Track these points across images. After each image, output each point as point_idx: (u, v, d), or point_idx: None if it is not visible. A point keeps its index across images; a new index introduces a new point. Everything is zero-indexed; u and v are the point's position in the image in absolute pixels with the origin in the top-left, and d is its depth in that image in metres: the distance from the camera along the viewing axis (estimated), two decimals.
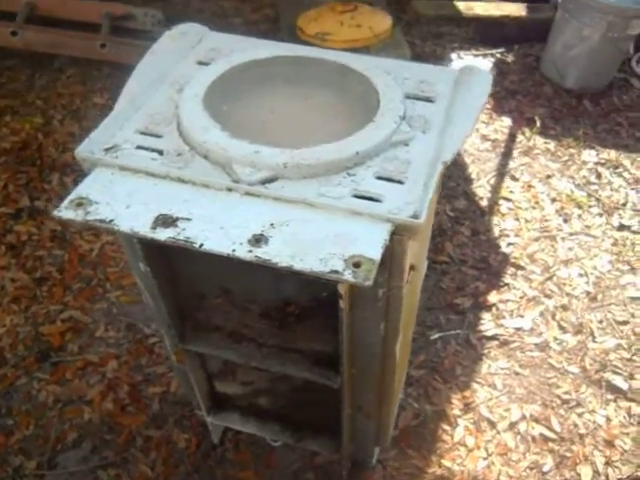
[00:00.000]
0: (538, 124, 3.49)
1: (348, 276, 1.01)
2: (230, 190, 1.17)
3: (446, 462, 2.01)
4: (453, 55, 4.09)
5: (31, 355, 2.34)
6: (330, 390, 1.48)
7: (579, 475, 1.99)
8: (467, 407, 2.19)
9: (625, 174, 3.21)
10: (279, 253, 1.04)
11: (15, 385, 2.25)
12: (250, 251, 1.05)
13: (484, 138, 3.43)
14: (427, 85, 1.43)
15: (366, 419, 1.72)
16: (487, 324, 2.46)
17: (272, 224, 1.10)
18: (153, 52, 1.50)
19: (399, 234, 1.12)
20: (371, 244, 1.07)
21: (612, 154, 3.32)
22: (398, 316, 1.35)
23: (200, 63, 1.50)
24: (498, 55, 4.11)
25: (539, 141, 3.40)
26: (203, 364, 1.78)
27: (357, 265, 1.03)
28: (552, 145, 3.38)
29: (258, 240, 1.06)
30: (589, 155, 3.32)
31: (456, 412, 2.17)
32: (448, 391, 2.24)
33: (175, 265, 1.42)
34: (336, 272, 1.01)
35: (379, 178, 1.21)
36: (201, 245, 1.06)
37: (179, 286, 1.48)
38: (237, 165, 1.19)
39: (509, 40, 4.22)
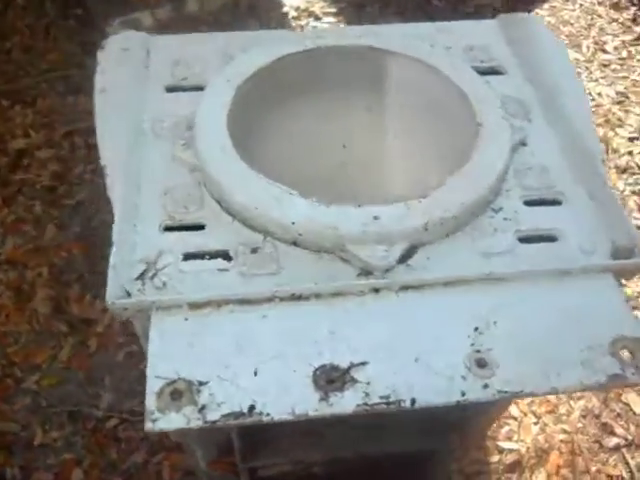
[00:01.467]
0: None
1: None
2: (377, 291, 0.78)
3: (503, 444, 1.84)
4: None
5: None
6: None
7: (627, 404, 1.92)
8: None
9: None
10: (522, 373, 0.70)
11: None
12: (486, 386, 0.69)
13: None
14: (481, 52, 1.10)
15: None
16: None
17: (476, 327, 0.74)
18: (103, 89, 0.99)
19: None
20: (617, 313, 0.76)
21: None
22: None
23: (172, 89, 1.03)
24: None
25: None
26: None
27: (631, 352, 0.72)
28: None
29: (481, 363, 0.71)
30: None
31: None
32: None
33: None
34: (619, 375, 0.70)
35: (530, 204, 0.89)
36: (413, 402, 0.68)
37: None
38: (354, 246, 0.80)
39: None
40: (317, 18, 3.08)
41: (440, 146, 0.97)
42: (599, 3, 3.31)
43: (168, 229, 0.84)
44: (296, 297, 0.77)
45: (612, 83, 2.85)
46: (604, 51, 2.99)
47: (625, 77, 2.87)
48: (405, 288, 0.78)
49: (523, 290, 0.78)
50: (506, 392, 0.68)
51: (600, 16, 3.24)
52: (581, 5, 3.31)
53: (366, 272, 0.80)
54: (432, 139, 0.99)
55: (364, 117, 1.05)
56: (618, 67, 2.93)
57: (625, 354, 0.71)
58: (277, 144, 1.03)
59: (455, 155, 0.92)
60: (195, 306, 0.75)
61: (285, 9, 3.12)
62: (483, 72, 1.05)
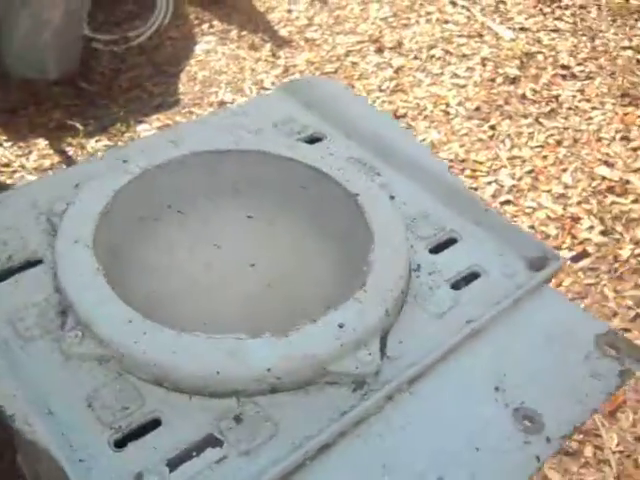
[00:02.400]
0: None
1: None
2: (390, 397, 0.72)
3: None
4: None
5: None
6: None
7: None
8: None
9: None
10: (562, 410, 0.72)
11: None
12: (548, 439, 0.69)
13: None
14: (291, 124, 1.09)
15: None
16: None
17: (496, 387, 0.74)
18: None
19: None
20: (579, 317, 0.83)
21: None
22: None
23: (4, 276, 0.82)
24: None
25: None
26: None
27: None
28: None
29: (528, 416, 0.71)
30: None
31: None
32: None
33: None
34: (626, 371, 0.76)
35: (434, 251, 0.92)
36: None
37: None
38: (337, 363, 0.74)
39: None
40: None
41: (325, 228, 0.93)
42: (238, 47, 3.53)
43: (119, 444, 0.67)
44: (326, 445, 0.67)
45: None
46: (265, 88, 3.21)
47: None
48: (410, 381, 0.74)
49: (499, 331, 0.80)
50: (564, 436, 0.69)
51: (245, 58, 3.45)
52: (224, 53, 3.49)
53: (359, 384, 0.73)
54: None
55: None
56: None
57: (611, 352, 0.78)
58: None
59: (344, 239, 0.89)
60: None
61: None
62: (309, 141, 1.05)
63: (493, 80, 3.07)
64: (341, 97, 1.11)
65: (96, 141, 2.64)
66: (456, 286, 0.86)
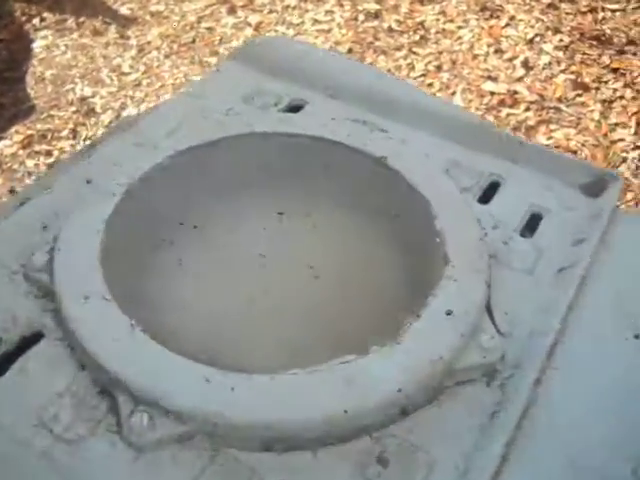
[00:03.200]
0: None
1: None
2: None
3: None
4: None
5: None
6: None
7: None
8: None
9: None
10: None
11: None
12: None
13: None
14: (265, 95, 0.93)
15: None
16: None
17: None
18: None
19: None
20: None
21: None
22: None
23: None
24: None
25: None
26: None
27: None
28: None
29: None
30: None
31: None
32: None
33: None
34: None
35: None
36: None
37: None
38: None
39: None
40: None
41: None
42: (81, 36, 3.19)
43: None
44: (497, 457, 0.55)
45: None
46: (125, 73, 2.93)
47: None
48: (548, 354, 0.63)
49: (604, 271, 0.70)
50: None
51: (92, 46, 3.13)
52: (66, 45, 3.15)
53: (490, 375, 0.62)
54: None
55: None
56: None
57: None
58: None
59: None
60: None
61: None
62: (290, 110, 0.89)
63: (355, 19, 2.98)
64: (308, 55, 0.96)
65: None
66: (526, 233, 0.76)
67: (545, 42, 2.71)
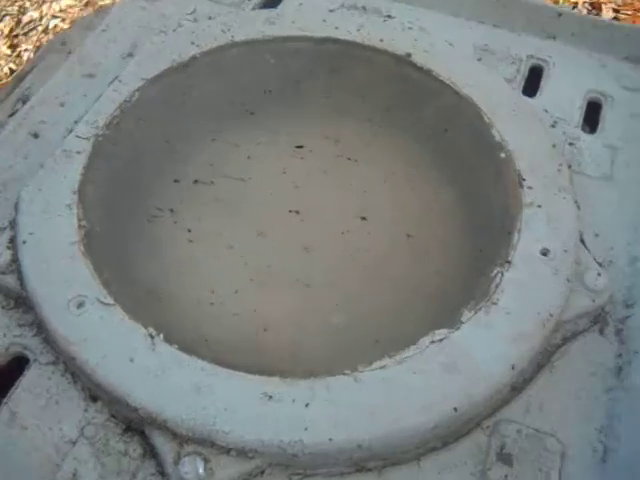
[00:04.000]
0: None
1: None
2: None
3: None
4: None
5: None
6: None
7: None
8: None
9: None
10: None
11: None
12: None
13: None
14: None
15: None
16: None
17: None
18: None
19: None
20: None
21: None
22: None
23: None
24: None
25: None
26: None
27: None
28: None
29: None
30: None
31: None
32: None
33: None
34: None
35: None
36: None
37: None
38: None
39: None
40: None
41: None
42: None
43: None
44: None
45: None
46: None
47: None
48: None
49: None
50: None
51: None
52: None
53: (603, 321, 0.50)
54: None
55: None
56: None
57: None
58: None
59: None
60: None
61: None
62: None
63: None
64: None
65: None
66: (586, 128, 0.63)
67: None
